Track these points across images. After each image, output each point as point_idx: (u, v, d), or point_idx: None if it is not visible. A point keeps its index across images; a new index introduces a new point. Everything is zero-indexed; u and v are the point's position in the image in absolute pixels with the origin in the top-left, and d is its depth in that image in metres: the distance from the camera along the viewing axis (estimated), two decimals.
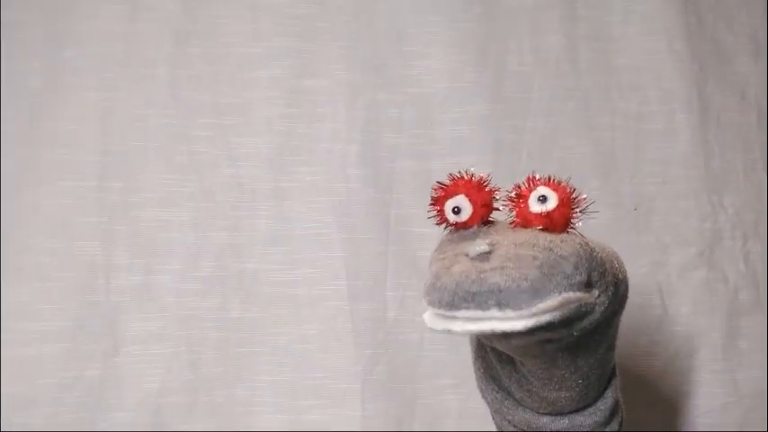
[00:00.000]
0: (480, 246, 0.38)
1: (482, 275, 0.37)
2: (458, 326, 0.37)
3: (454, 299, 0.37)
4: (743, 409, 0.71)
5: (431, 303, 0.39)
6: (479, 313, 0.37)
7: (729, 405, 0.71)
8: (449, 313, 0.38)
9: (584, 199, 0.42)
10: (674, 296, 0.72)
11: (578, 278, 0.39)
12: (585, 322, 0.41)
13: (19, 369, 0.66)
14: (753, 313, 0.73)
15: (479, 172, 0.43)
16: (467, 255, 0.39)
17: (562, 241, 0.40)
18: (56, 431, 0.66)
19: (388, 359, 0.69)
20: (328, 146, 0.71)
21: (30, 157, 0.69)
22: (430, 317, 0.39)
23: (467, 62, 0.73)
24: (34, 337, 0.67)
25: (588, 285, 0.40)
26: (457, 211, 0.42)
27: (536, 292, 0.37)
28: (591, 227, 0.67)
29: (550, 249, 0.39)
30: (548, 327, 0.37)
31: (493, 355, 0.48)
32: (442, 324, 0.38)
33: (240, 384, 0.69)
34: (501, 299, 0.36)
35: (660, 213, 0.73)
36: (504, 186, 0.43)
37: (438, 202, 0.43)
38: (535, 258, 0.38)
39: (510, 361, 0.46)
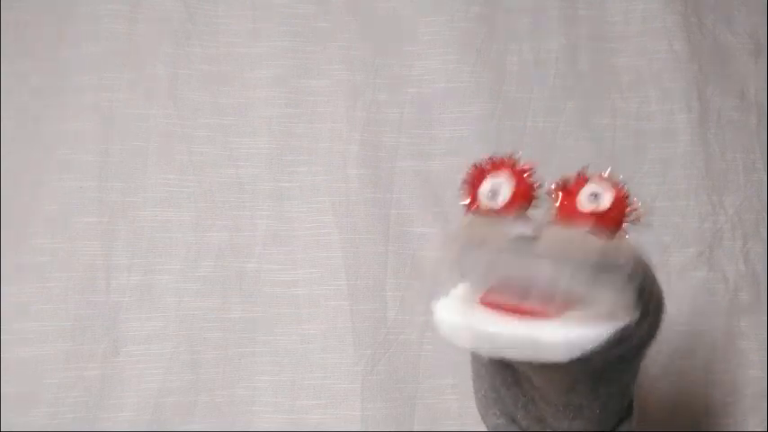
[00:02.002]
0: (524, 227, 0.34)
1: (526, 261, 0.33)
2: (486, 347, 0.33)
3: (487, 276, 0.33)
4: (743, 409, 0.71)
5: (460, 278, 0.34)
6: (514, 301, 0.32)
7: (729, 405, 0.71)
8: (477, 290, 0.33)
9: (639, 205, 0.37)
10: (674, 296, 0.72)
11: (630, 293, 0.35)
12: (622, 349, 0.36)
13: (19, 369, 0.66)
14: (753, 313, 0.73)
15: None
16: (506, 234, 0.34)
17: (617, 248, 0.35)
18: (56, 431, 0.66)
19: (388, 359, 0.69)
20: (328, 146, 0.71)
21: (30, 157, 0.69)
22: (449, 324, 0.35)
23: (467, 62, 0.73)
24: (34, 337, 0.67)
25: (637, 305, 0.36)
26: (493, 195, 0.38)
27: (584, 296, 0.32)
28: None
29: (604, 254, 0.34)
30: (588, 358, 0.33)
31: (497, 375, 0.43)
32: (469, 342, 0.34)
33: (240, 384, 0.69)
34: (544, 294, 0.32)
35: (660, 213, 0.73)
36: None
37: (473, 182, 0.38)
38: (587, 258, 0.33)
39: (517, 383, 0.42)
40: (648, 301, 0.37)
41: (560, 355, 0.32)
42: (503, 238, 0.34)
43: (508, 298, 0.33)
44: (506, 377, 0.42)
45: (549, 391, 0.40)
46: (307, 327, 0.69)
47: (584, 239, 0.34)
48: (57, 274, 0.67)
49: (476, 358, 0.45)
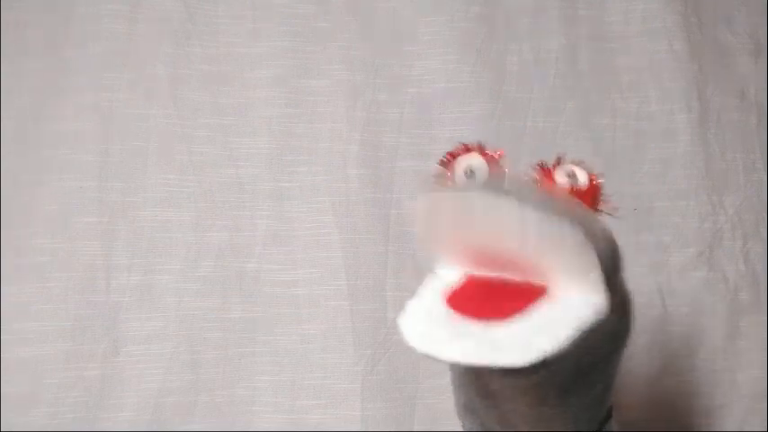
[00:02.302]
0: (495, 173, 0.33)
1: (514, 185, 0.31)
2: (444, 353, 0.32)
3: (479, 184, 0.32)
4: (743, 409, 0.71)
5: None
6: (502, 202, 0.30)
7: (729, 405, 0.71)
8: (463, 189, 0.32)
9: (608, 198, 0.38)
10: (674, 296, 0.72)
11: (605, 265, 0.33)
12: (588, 351, 0.34)
13: (19, 369, 0.66)
14: (753, 313, 0.73)
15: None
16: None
17: (597, 221, 0.34)
18: (56, 431, 0.66)
19: (388, 359, 0.69)
20: (328, 146, 0.71)
21: (30, 157, 0.69)
22: (413, 328, 0.34)
23: (467, 62, 0.73)
24: (34, 337, 0.67)
25: (608, 284, 0.34)
26: (470, 173, 0.38)
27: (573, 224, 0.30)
28: None
29: (584, 217, 0.33)
30: (551, 363, 0.31)
31: (472, 385, 0.42)
32: (425, 347, 0.33)
33: (240, 384, 0.69)
34: (532, 205, 0.30)
35: (660, 213, 0.73)
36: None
37: (448, 163, 0.38)
38: (575, 210, 0.32)
39: (490, 395, 0.40)
40: (616, 292, 0.35)
41: (518, 359, 0.31)
42: (470, 185, 0.34)
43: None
44: (480, 388, 0.41)
45: (520, 404, 0.39)
46: (307, 327, 0.69)
47: (560, 195, 0.34)
48: (57, 274, 0.67)
49: (453, 368, 0.44)
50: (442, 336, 0.33)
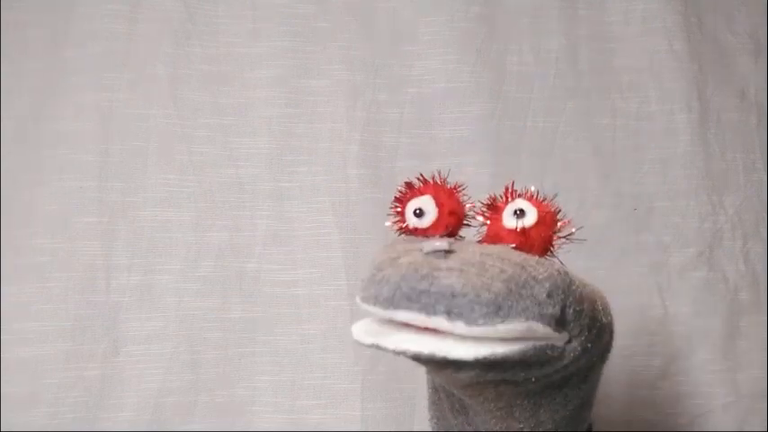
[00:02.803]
0: (440, 242, 0.33)
1: (435, 273, 0.31)
2: (391, 342, 0.31)
3: (395, 294, 0.31)
4: (743, 409, 0.71)
5: (365, 300, 0.33)
6: (422, 318, 0.30)
7: (729, 405, 0.71)
8: (386, 312, 0.31)
9: (568, 222, 0.36)
10: (674, 296, 0.72)
11: (550, 309, 0.33)
12: (549, 369, 0.34)
13: (19, 369, 0.66)
14: (753, 313, 0.73)
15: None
16: (421, 250, 0.33)
17: (538, 263, 0.34)
18: (56, 431, 0.66)
19: (388, 359, 0.69)
20: (328, 146, 0.71)
21: (30, 157, 0.69)
22: (359, 327, 0.33)
23: (467, 62, 0.73)
24: (34, 337, 0.67)
25: (560, 324, 0.34)
26: (419, 213, 0.37)
27: (498, 309, 0.30)
28: (592, 227, 0.67)
29: (523, 267, 0.33)
30: (502, 364, 0.31)
31: (446, 400, 0.41)
32: (371, 338, 0.32)
33: (240, 384, 0.69)
34: (453, 306, 0.30)
35: (660, 213, 0.73)
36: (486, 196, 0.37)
37: (401, 201, 0.38)
38: (503, 271, 0.32)
39: (463, 411, 0.40)
40: (579, 318, 0.35)
41: (465, 353, 0.30)
42: (416, 254, 0.33)
43: (414, 320, 0.31)
44: (454, 403, 0.40)
45: (488, 418, 0.38)
46: (307, 327, 0.69)
47: (500, 253, 0.33)
48: (57, 274, 0.67)
49: (429, 383, 0.44)
50: (388, 330, 0.33)
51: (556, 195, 0.36)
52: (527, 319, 0.31)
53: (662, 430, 0.71)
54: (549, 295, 0.33)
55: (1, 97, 0.70)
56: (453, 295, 0.30)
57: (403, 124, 0.72)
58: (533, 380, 0.34)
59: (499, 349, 0.31)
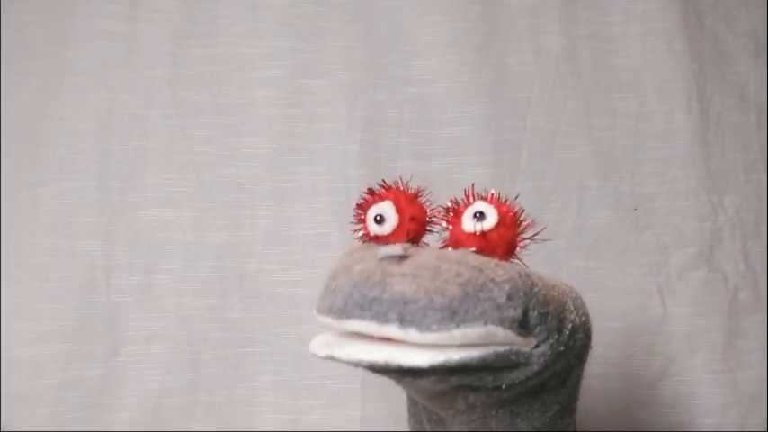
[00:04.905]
0: (394, 248, 0.32)
1: (387, 279, 0.30)
2: (344, 353, 0.30)
3: (347, 303, 0.30)
4: (743, 409, 0.71)
5: (320, 311, 0.32)
6: (374, 327, 0.30)
7: (729, 405, 0.71)
8: (339, 323, 0.31)
9: (531, 223, 0.35)
10: (674, 296, 0.72)
11: (511, 312, 0.31)
12: (518, 375, 0.33)
13: (19, 369, 0.66)
14: (753, 313, 0.73)
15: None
16: (376, 256, 0.32)
17: (497, 265, 0.33)
18: (56, 431, 0.66)
19: None
20: (328, 146, 0.71)
21: (30, 157, 0.69)
22: (317, 340, 0.32)
23: (467, 62, 0.72)
24: (34, 337, 0.67)
25: (524, 327, 0.33)
26: (380, 220, 0.36)
27: (453, 314, 0.29)
28: (592, 227, 0.67)
29: (480, 270, 0.32)
30: (463, 370, 0.30)
31: (423, 411, 0.40)
32: (325, 350, 0.31)
33: (240, 384, 0.69)
34: (405, 313, 0.29)
35: (660, 213, 0.73)
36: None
37: (362, 207, 0.37)
38: (459, 275, 0.31)
39: (441, 422, 0.39)
40: (544, 321, 0.34)
41: (421, 360, 0.29)
42: (371, 261, 0.32)
43: (367, 329, 0.30)
44: (431, 414, 0.39)
45: (464, 429, 0.37)
46: (306, 327, 0.69)
47: (458, 257, 0.32)
48: (57, 274, 0.67)
49: (408, 396, 0.42)
50: (345, 340, 0.32)
51: (517, 196, 0.35)
52: (486, 323, 0.30)
53: (662, 430, 0.71)
54: (510, 298, 0.31)
55: (1, 97, 0.70)
56: (405, 301, 0.29)
57: (403, 124, 0.72)
58: (504, 387, 0.33)
59: (455, 355, 0.29)
